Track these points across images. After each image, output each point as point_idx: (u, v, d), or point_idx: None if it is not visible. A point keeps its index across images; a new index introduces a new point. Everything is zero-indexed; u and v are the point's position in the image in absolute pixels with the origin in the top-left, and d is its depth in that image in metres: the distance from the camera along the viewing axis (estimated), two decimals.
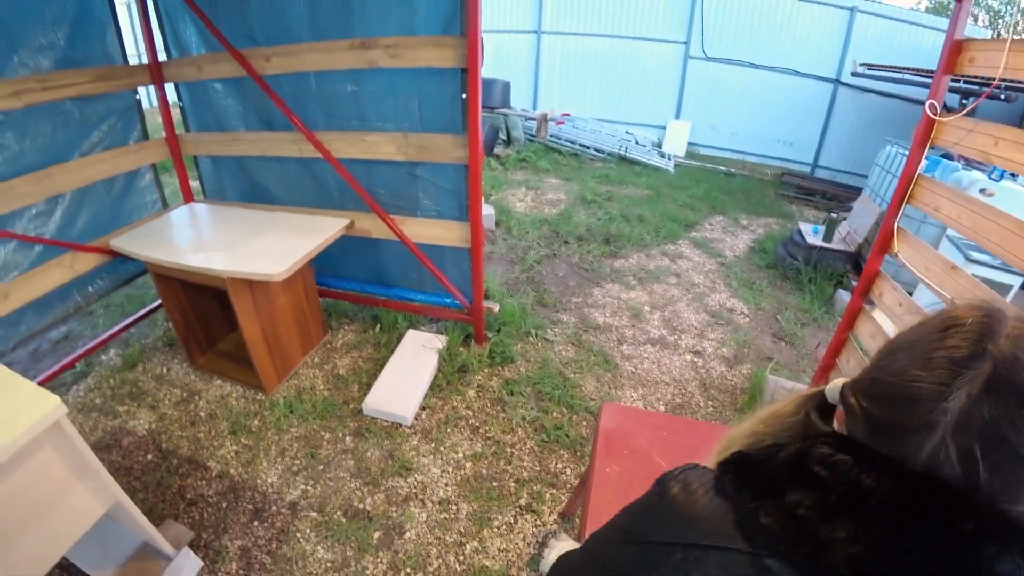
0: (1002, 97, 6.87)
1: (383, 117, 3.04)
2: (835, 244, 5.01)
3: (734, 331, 4.16)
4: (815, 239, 5.05)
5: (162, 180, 3.67)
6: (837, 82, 9.62)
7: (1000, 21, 14.38)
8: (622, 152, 8.88)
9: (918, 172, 2.55)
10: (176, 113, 3.59)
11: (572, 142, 9.05)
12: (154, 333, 3.74)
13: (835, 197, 8.06)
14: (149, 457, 2.74)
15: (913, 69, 7.44)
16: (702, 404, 3.38)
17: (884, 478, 0.53)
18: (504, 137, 8.95)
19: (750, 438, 0.74)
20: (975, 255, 3.86)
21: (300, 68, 2.99)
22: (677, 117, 10.26)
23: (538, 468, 2.75)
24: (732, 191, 7.87)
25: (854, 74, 8.91)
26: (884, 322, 2.85)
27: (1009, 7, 14.70)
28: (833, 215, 5.18)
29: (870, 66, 8.41)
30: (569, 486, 2.65)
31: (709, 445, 1.81)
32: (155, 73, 3.34)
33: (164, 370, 3.37)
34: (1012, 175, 4.20)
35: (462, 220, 3.18)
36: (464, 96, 2.77)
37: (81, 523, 1.62)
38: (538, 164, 8.17)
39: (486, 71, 9.04)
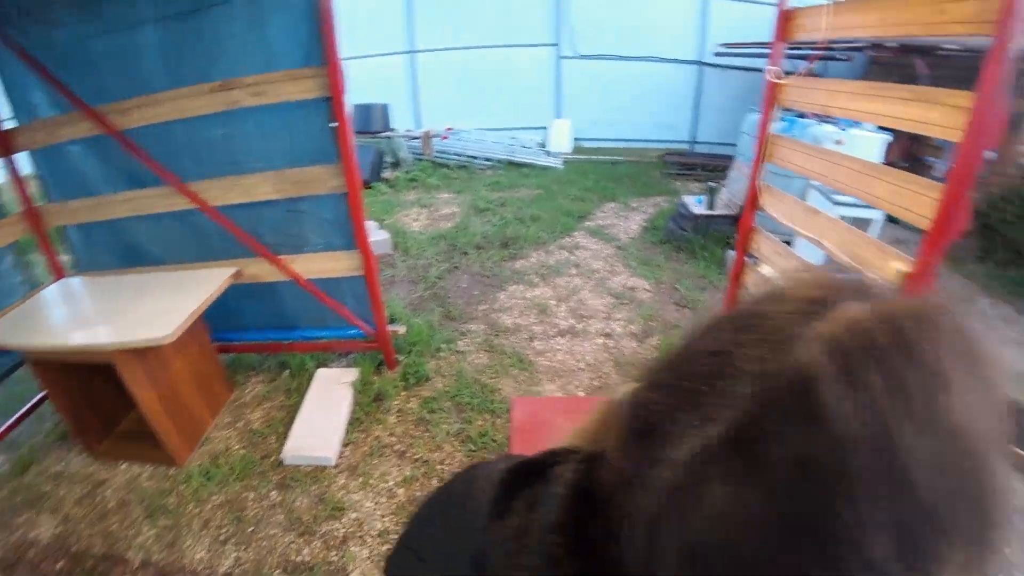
0: (842, 58, 7.48)
1: (256, 157, 2.93)
2: (718, 210, 5.28)
3: (639, 308, 4.28)
4: (700, 209, 5.30)
5: (29, 259, 3.35)
6: (701, 63, 10.29)
7: None
8: (510, 157, 8.99)
9: (770, 132, 2.73)
10: (35, 183, 3.27)
11: (459, 155, 9.07)
12: (43, 428, 3.30)
13: (715, 168, 8.49)
14: (59, 566, 2.44)
15: (767, 44, 7.95)
16: (620, 382, 3.43)
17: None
18: (391, 160, 8.85)
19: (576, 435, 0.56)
20: (837, 197, 4.13)
21: (162, 118, 2.83)
22: (559, 116, 10.51)
23: None
24: (620, 178, 8.13)
25: (715, 54, 9.61)
26: (767, 270, 3.01)
27: None
28: (712, 184, 5.46)
29: (728, 45, 9.05)
30: None
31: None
32: (3, 143, 3.03)
33: (62, 466, 3.00)
34: (856, 123, 4.55)
35: (351, 249, 3.12)
36: (333, 125, 2.74)
37: None
38: (428, 181, 8.13)
39: (364, 96, 8.96)
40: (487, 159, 9.02)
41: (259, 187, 2.97)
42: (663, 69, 10.33)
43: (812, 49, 2.42)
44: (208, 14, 2.64)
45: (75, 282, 3.24)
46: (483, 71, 10.39)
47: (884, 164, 4.82)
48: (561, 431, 1.70)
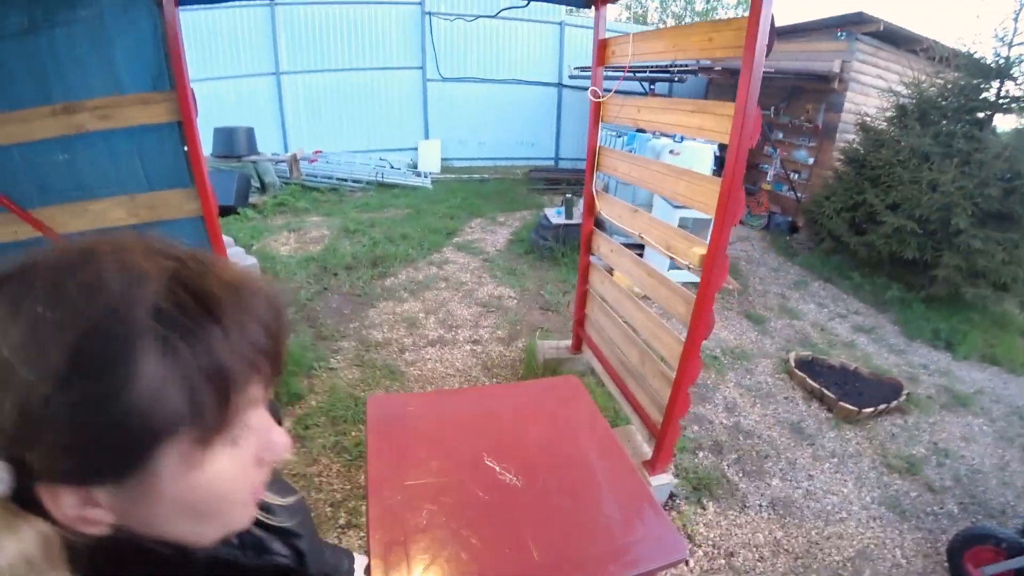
0: (676, 79, 8.26)
1: (107, 182, 2.81)
2: (576, 219, 5.66)
3: (505, 314, 4.51)
4: (559, 219, 5.67)
5: None
6: (560, 85, 11.01)
7: (682, 23, 17.75)
8: (379, 179, 9.06)
9: (599, 144, 3.07)
10: None
11: (329, 177, 8.99)
12: None
13: (578, 182, 9.04)
14: None
15: (614, 67, 8.73)
16: (487, 383, 3.62)
17: None
18: (257, 184, 8.59)
19: None
20: (677, 204, 4.59)
21: None
22: (427, 137, 10.78)
23: (349, 487, 2.77)
24: (487, 195, 8.45)
25: (571, 77, 10.36)
26: (616, 276, 3.34)
27: (687, 10, 18.36)
28: (568, 196, 5.86)
29: (582, 68, 9.78)
30: None
31: (469, 407, 1.98)
32: None
33: None
34: (692, 137, 5.09)
35: None
36: (186, 148, 2.71)
37: None
38: (297, 205, 8.00)
39: (228, 119, 8.65)
40: (356, 181, 9.02)
41: (111, 212, 2.85)
42: (525, 91, 10.94)
43: (674, 71, 2.77)
44: (49, 34, 2.53)
45: None
46: (351, 93, 10.46)
47: (714, 170, 5.43)
48: (417, 426, 1.82)
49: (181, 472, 0.41)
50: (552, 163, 11.35)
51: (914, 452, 3.57)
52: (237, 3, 9.16)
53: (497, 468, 1.72)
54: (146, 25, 2.53)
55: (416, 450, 1.77)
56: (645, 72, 8.19)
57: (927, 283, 6.21)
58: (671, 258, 2.48)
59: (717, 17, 22.08)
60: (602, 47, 2.94)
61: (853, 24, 8.08)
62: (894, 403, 3.93)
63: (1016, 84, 6.45)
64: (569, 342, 3.78)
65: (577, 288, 3.52)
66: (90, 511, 0.41)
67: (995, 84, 6.53)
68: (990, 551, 2.50)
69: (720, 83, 10.17)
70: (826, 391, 3.87)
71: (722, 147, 2.64)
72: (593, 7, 2.92)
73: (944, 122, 6.71)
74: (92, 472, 0.40)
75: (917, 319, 5.76)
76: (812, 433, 3.60)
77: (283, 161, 9.02)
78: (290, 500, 0.72)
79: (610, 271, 3.34)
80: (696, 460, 3.19)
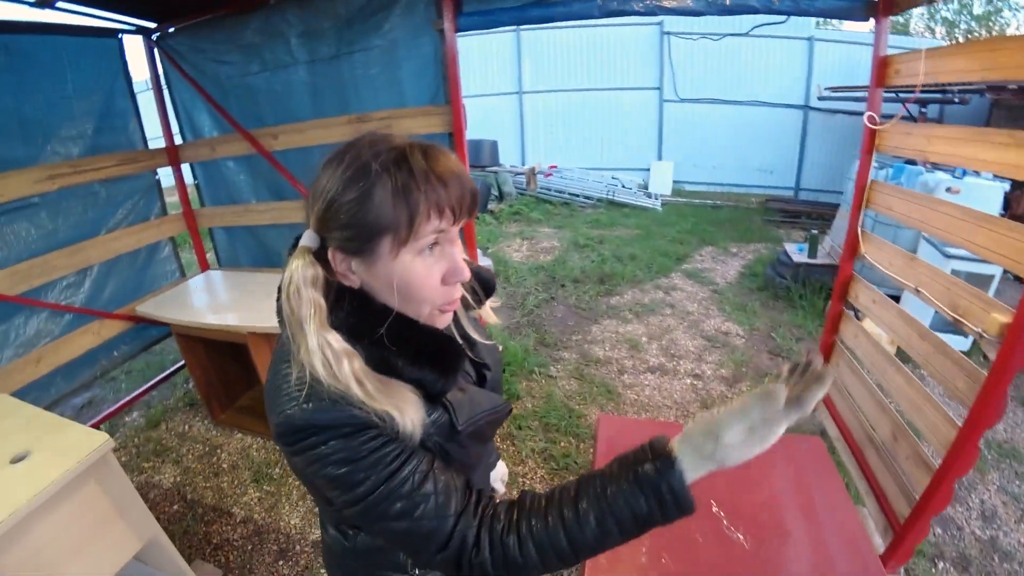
0: (956, 100, 7.19)
1: None
2: (820, 259, 5.20)
3: (731, 352, 4.30)
4: (800, 256, 5.24)
5: (180, 251, 3.96)
6: (807, 107, 10.07)
7: (956, 30, 14.83)
8: (610, 197, 9.22)
9: (870, 178, 2.76)
10: (192, 190, 3.90)
11: (561, 192, 9.39)
12: (175, 394, 3.93)
13: (820, 216, 8.28)
14: (175, 507, 2.88)
15: (892, 88, 7.77)
16: None
17: None
18: (496, 193, 9.29)
19: None
20: (951, 250, 4.02)
21: (304, 143, 3.31)
22: (659, 158, 10.68)
23: None
24: (720, 222, 8.12)
25: (820, 98, 9.37)
26: (866, 323, 3.01)
27: (961, 15, 15.41)
28: (814, 232, 5.40)
29: (834, 89, 8.82)
30: None
31: None
32: (172, 155, 3.67)
33: (186, 427, 3.54)
34: (976, 172, 4.40)
35: None
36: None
37: (122, 555, 1.75)
38: (531, 215, 8.47)
39: (475, 133, 9.57)
40: (588, 197, 9.29)
41: None
42: (767, 113, 10.24)
43: (912, 94, 2.42)
44: (349, 59, 3.11)
45: (216, 275, 3.80)
46: (587, 112, 10.83)
47: (1003, 213, 4.60)
48: None
49: (390, 258, 0.74)
50: (791, 193, 10.46)
51: None
52: (505, 28, 10.03)
53: (725, 520, 1.66)
54: (429, 50, 2.91)
55: None
56: (913, 91, 7.16)
57: None
58: (956, 320, 2.16)
59: (1002, 21, 18.25)
60: (883, 65, 2.61)
61: None
62: None
63: None
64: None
65: (823, 337, 3.21)
66: (350, 272, 0.77)
67: None
68: None
69: (1010, 104, 8.53)
70: None
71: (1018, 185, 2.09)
72: (873, 19, 2.60)
73: None
74: (351, 245, 0.74)
75: None
76: None
77: (521, 173, 9.64)
78: (489, 343, 1.06)
79: (865, 326, 3.01)
80: (934, 572, 2.62)
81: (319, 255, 0.76)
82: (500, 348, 1.18)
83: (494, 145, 9.73)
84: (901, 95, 2.56)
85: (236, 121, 3.42)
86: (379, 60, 3.05)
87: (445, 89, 2.92)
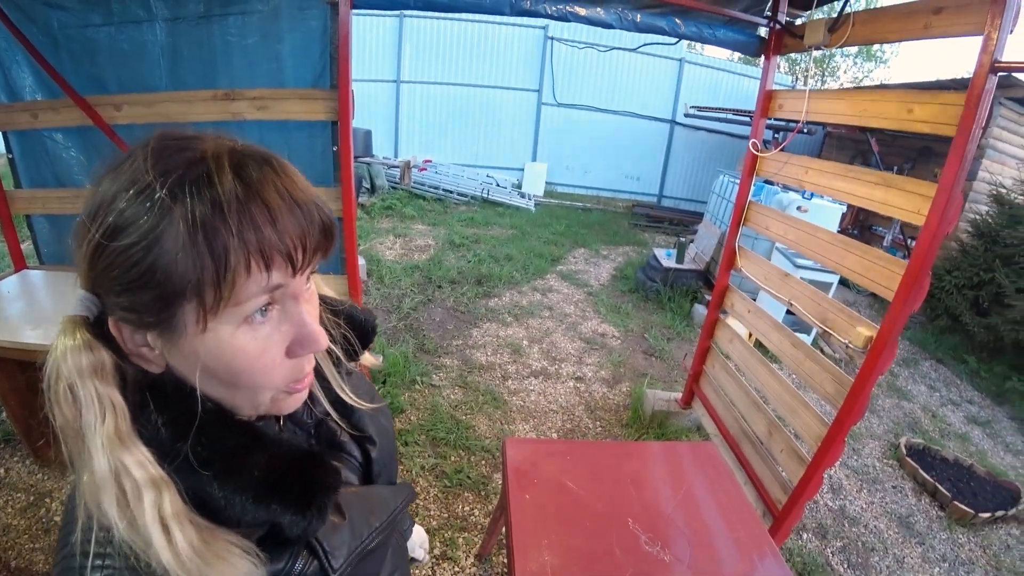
0: (805, 131, 8.02)
1: None
2: (686, 264, 5.53)
3: (609, 354, 4.42)
4: (669, 262, 5.54)
5: None
6: (673, 122, 10.90)
7: (796, 67, 16.72)
8: (485, 195, 9.22)
9: (749, 199, 2.95)
10: (3, 166, 3.15)
11: (436, 188, 9.23)
12: None
13: (681, 223, 8.88)
14: None
15: (733, 110, 8.53)
16: (591, 426, 3.55)
17: None
18: (368, 186, 8.93)
19: None
20: (800, 261, 4.43)
21: (155, 119, 2.77)
22: (534, 159, 10.90)
23: (446, 515, 2.72)
24: (590, 225, 8.41)
25: (686, 115, 10.19)
26: (737, 327, 3.19)
27: (803, 56, 17.46)
28: (682, 239, 5.72)
29: (699, 108, 9.60)
30: (480, 527, 2.65)
31: (609, 462, 1.92)
32: None
33: (1, 472, 2.84)
34: (820, 195, 4.89)
35: (338, 272, 3.06)
36: (335, 148, 2.73)
37: None
38: (404, 211, 8.23)
39: None
40: (462, 194, 9.20)
41: None
42: (637, 124, 10.91)
43: (785, 122, 2.65)
44: (222, 22, 2.63)
45: (36, 275, 3.11)
46: (465, 108, 10.75)
47: (839, 230, 5.18)
48: (558, 477, 1.78)
49: (196, 331, 0.48)
50: (655, 200, 11.22)
51: None
52: (403, 12, 9.64)
53: (643, 536, 1.66)
54: (317, 24, 2.57)
55: (560, 504, 1.72)
56: (787, 122, 7.98)
57: None
58: (828, 334, 2.34)
59: (833, 64, 21.28)
60: (768, 98, 2.82)
61: (998, 87, 7.55)
62: (1013, 510, 3.55)
63: None
64: (678, 394, 3.65)
65: (700, 342, 3.38)
66: (145, 349, 0.50)
67: None
68: None
69: (839, 136, 9.72)
70: (939, 486, 3.57)
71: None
72: (763, 57, 2.82)
73: None
74: (135, 316, 0.48)
75: None
76: (922, 531, 3.30)
77: (395, 166, 9.32)
78: (371, 407, 0.76)
79: (732, 326, 3.20)
80: (800, 543, 2.98)
81: (100, 327, 0.50)
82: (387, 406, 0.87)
83: (368, 134, 9.30)
84: (774, 125, 2.81)
85: (68, 84, 2.75)
86: (258, 28, 2.62)
87: (332, 71, 2.61)
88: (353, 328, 0.73)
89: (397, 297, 5.17)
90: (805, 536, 3.04)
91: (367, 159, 9.09)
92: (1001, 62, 1.73)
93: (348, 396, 0.73)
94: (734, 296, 3.10)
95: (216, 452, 0.51)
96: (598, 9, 2.61)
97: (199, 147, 0.48)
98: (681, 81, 10.90)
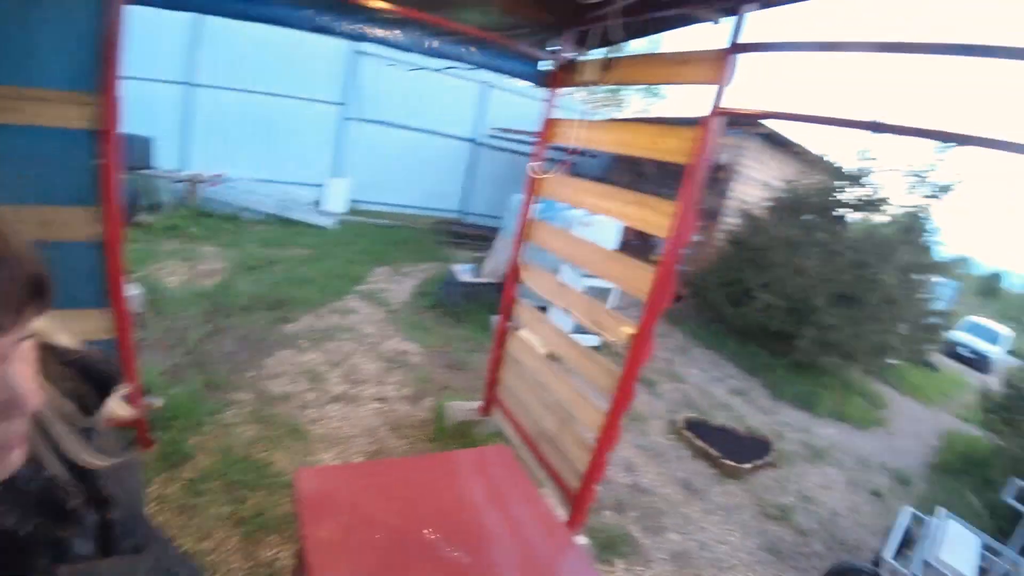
0: (592, 155, 8.89)
1: None
2: (484, 278, 5.76)
3: (411, 371, 4.45)
4: (468, 277, 5.74)
5: None
6: (476, 142, 11.34)
7: (594, 96, 18.79)
8: (283, 213, 8.72)
9: (531, 217, 3.21)
10: None
11: (228, 204, 8.53)
12: None
13: (483, 238, 9.21)
14: None
15: (529, 132, 9.19)
16: (396, 445, 3.52)
17: None
18: (147, 202, 7.98)
19: None
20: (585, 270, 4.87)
21: None
22: (337, 175, 10.57)
23: (250, 563, 2.49)
24: (394, 242, 8.41)
25: (489, 136, 10.75)
26: (527, 335, 3.41)
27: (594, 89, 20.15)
28: (479, 255, 5.96)
29: (501, 130, 10.19)
30: (287, 570, 2.48)
31: (406, 478, 1.94)
32: None
33: None
34: None
35: (101, 307, 2.68)
36: (98, 162, 2.39)
37: None
38: (191, 231, 7.48)
39: (124, 125, 7.99)
40: (258, 212, 8.62)
41: None
42: (443, 143, 11.21)
43: (567, 151, 2.94)
44: None
45: None
46: (264, 119, 9.93)
47: (622, 242, 5.79)
48: (353, 500, 1.76)
49: None
50: (459, 217, 11.56)
51: (785, 501, 4.11)
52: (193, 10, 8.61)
53: (442, 543, 1.70)
54: (82, 15, 2.21)
55: (355, 529, 1.70)
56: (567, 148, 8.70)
57: (789, 351, 7.22)
58: (599, 334, 2.60)
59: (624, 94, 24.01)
60: (550, 126, 3.11)
61: (747, 124, 9.13)
62: (767, 458, 4.52)
63: (865, 189, 7.87)
64: (479, 404, 3.79)
65: (493, 351, 3.56)
66: None
67: (850, 188, 7.75)
68: None
69: (625, 158, 10.97)
70: (711, 449, 4.33)
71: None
72: (547, 87, 3.11)
73: (810, 216, 7.78)
74: None
75: (782, 383, 6.66)
76: (700, 488, 3.96)
77: (181, 180, 8.44)
78: (109, 463, 0.66)
79: (523, 335, 3.43)
80: (602, 520, 3.31)
81: None
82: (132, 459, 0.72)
83: (146, 143, 8.18)
84: (560, 149, 3.17)
85: None
86: (12, 12, 2.13)
87: (98, 72, 2.26)
88: (88, 379, 0.66)
89: (181, 329, 4.69)
90: (606, 513, 3.39)
91: (146, 171, 8.12)
92: (725, 108, 2.11)
93: (88, 453, 0.63)
94: (521, 306, 3.33)
95: None
96: (396, 32, 2.67)
97: None
98: (486, 103, 11.42)
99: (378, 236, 8.69)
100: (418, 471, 2.08)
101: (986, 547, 3.31)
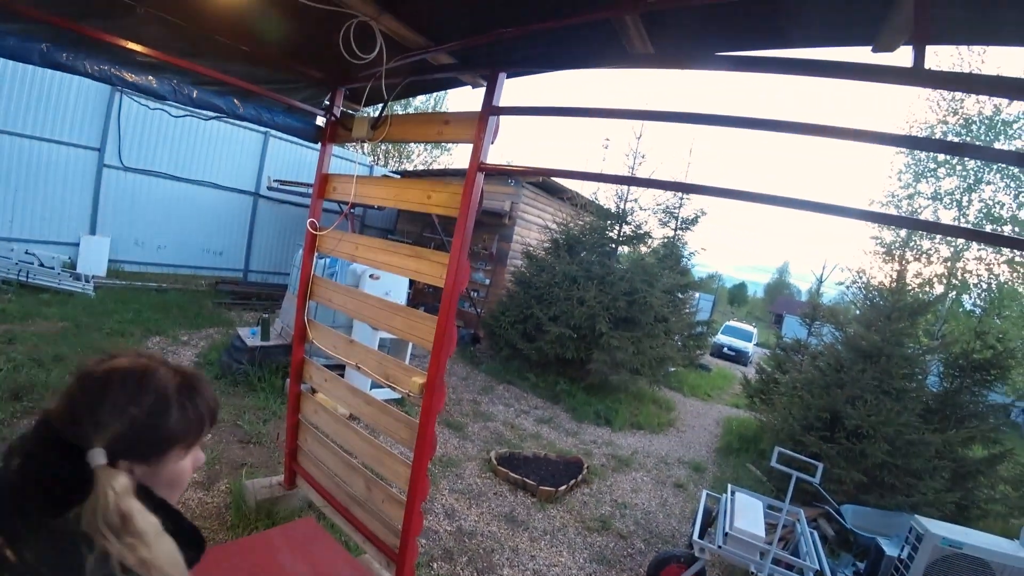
0: (376, 207, 8.95)
1: None
2: (273, 341, 5.45)
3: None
4: (254, 340, 5.37)
5: None
6: (257, 195, 10.73)
7: (378, 149, 19.01)
8: (22, 278, 7.33)
9: (313, 274, 3.14)
10: None
11: None
12: None
13: (269, 297, 8.74)
14: None
15: (311, 184, 9.02)
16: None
17: None
18: None
19: None
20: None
21: None
22: (93, 232, 9.10)
23: None
24: (167, 307, 7.56)
25: (270, 188, 10.25)
26: (323, 397, 3.30)
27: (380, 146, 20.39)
28: (265, 316, 5.64)
29: (282, 182, 9.79)
30: None
31: (218, 571, 1.74)
32: None
33: None
34: None
35: None
36: None
37: None
38: None
39: None
40: None
41: None
42: (219, 196, 10.41)
43: (343, 206, 2.95)
44: None
45: None
46: None
47: (411, 292, 5.87)
48: None
49: (176, 463, 0.91)
50: (241, 275, 10.75)
51: (603, 512, 4.53)
52: None
53: None
54: None
55: None
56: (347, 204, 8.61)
57: (584, 375, 8.09)
58: (391, 387, 2.61)
59: (410, 150, 24.75)
60: (324, 181, 3.09)
61: (520, 174, 9.99)
62: (580, 477, 4.91)
63: (630, 226, 8.93)
64: (281, 477, 3.53)
65: (287, 419, 3.37)
66: (131, 476, 0.83)
67: (616, 226, 8.89)
68: (675, 568, 3.45)
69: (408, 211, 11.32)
70: (527, 480, 4.56)
71: None
72: (320, 143, 3.09)
73: (584, 253, 8.84)
74: (141, 458, 0.86)
75: (582, 405, 7.42)
76: (524, 519, 4.15)
77: None
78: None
79: (319, 399, 3.32)
80: (433, 572, 3.28)
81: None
82: None
83: None
84: (341, 204, 3.12)
85: None
86: None
87: None
88: None
89: None
90: (436, 565, 3.36)
91: None
92: (485, 163, 2.29)
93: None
94: (311, 368, 3.22)
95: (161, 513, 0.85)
96: (149, 77, 2.46)
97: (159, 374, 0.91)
98: (266, 153, 10.86)
99: (148, 301, 7.72)
100: (220, 562, 1.90)
101: (768, 507, 3.89)
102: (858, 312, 7.00)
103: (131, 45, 2.37)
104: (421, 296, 10.17)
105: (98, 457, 0.80)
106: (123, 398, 0.84)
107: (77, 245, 8.94)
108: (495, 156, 2.34)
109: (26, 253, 7.89)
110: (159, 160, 9.68)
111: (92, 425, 0.81)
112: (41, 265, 7.83)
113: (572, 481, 4.79)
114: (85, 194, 9.09)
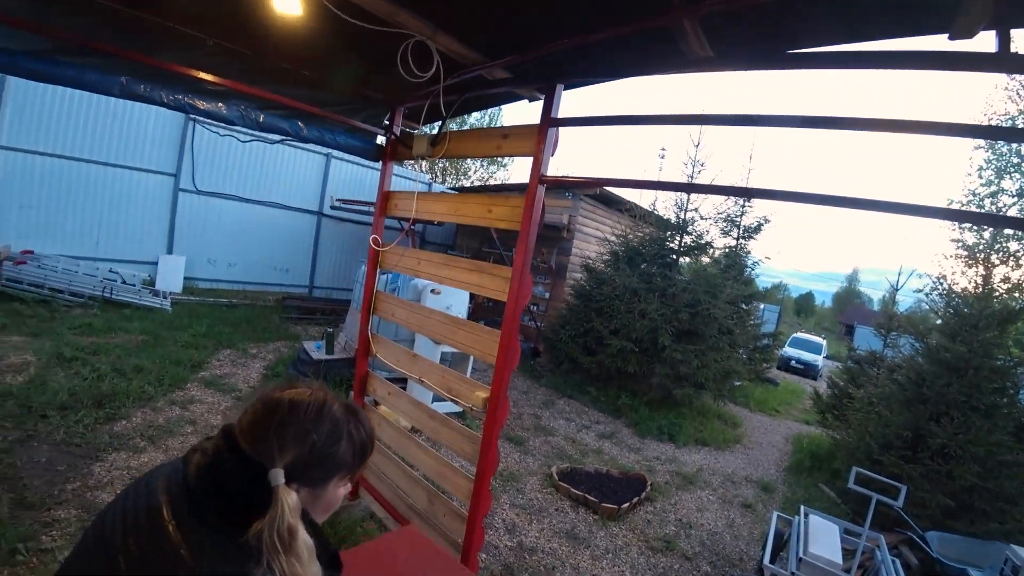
0: (436, 223, 9.10)
1: None
2: (337, 354, 5.58)
3: None
4: (319, 354, 5.53)
5: None
6: (320, 214, 11.11)
7: (436, 167, 19.51)
8: (107, 294, 7.85)
9: (376, 289, 3.20)
10: None
11: (39, 286, 7.54)
12: None
13: (333, 311, 8.98)
14: None
15: (372, 203, 9.27)
16: None
17: None
18: None
19: None
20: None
21: None
22: (170, 251, 9.69)
23: None
24: (236, 322, 7.88)
25: (333, 207, 10.61)
26: (386, 410, 3.35)
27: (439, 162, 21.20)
28: (330, 330, 5.77)
29: (344, 201, 10.10)
30: None
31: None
32: None
33: None
34: None
35: None
36: None
37: None
38: None
39: None
40: (76, 294, 7.71)
41: None
42: (285, 215, 10.80)
43: (403, 223, 3.02)
44: None
45: None
46: (83, 188, 8.84)
47: (472, 306, 5.93)
48: None
49: (334, 489, 1.02)
50: (306, 291, 11.13)
51: (667, 531, 4.37)
52: None
53: None
54: None
55: None
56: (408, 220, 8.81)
57: (647, 389, 7.90)
58: (453, 400, 2.62)
59: (467, 167, 25.15)
60: (386, 198, 3.16)
61: (577, 188, 9.94)
62: (643, 494, 4.75)
63: (690, 236, 8.85)
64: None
65: None
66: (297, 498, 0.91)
67: (677, 236, 8.66)
68: None
69: (470, 225, 11.48)
70: (588, 496, 4.45)
71: None
72: (381, 161, 3.16)
73: (645, 264, 8.61)
74: (309, 482, 0.96)
75: (644, 420, 7.18)
76: (585, 536, 4.05)
77: None
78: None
79: (382, 411, 3.37)
80: None
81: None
82: None
83: None
84: (402, 221, 3.22)
85: None
86: None
87: None
88: None
89: None
90: None
91: None
92: (546, 176, 2.29)
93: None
94: (374, 381, 3.27)
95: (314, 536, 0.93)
96: (219, 104, 2.60)
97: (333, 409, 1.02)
98: (328, 174, 11.26)
99: (219, 316, 8.09)
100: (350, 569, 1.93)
101: (845, 531, 3.67)
102: (940, 321, 6.55)
103: (202, 75, 2.50)
104: (481, 310, 10.24)
105: (278, 477, 0.88)
106: (306, 425, 0.93)
107: (156, 264, 9.53)
108: (551, 170, 2.34)
109: (110, 271, 8.49)
110: (229, 183, 10.22)
111: (277, 448, 0.90)
112: (123, 282, 8.38)
113: (635, 498, 4.65)
114: (163, 216, 9.70)
